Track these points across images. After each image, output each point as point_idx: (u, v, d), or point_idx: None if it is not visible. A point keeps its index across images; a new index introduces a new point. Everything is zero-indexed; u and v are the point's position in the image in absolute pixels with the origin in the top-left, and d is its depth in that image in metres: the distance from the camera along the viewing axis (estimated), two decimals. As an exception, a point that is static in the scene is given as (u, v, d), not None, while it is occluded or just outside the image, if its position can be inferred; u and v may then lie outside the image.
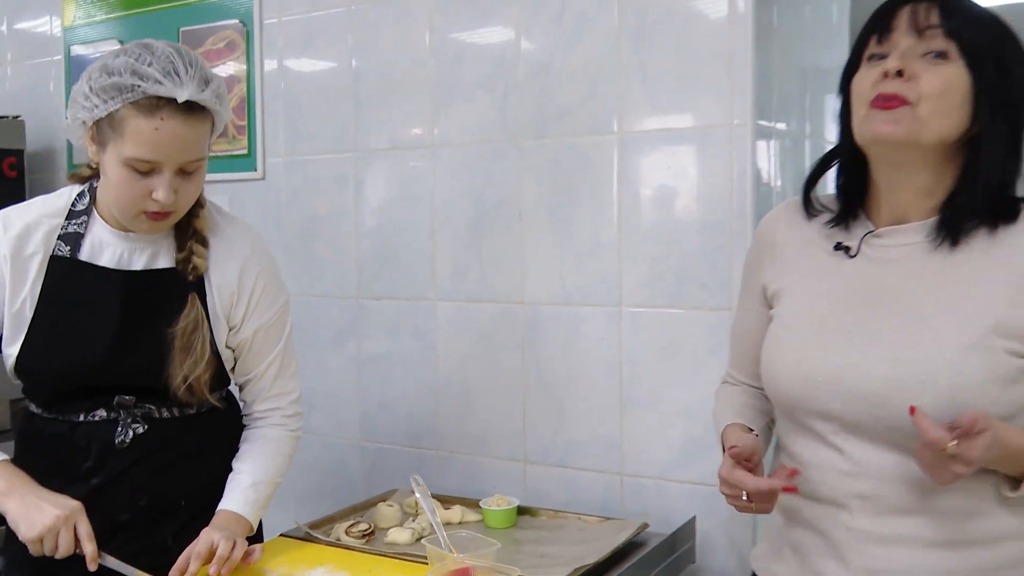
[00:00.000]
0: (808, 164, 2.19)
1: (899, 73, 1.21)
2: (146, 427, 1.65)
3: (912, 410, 1.14)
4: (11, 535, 1.68)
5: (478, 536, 1.65)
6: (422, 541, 1.81)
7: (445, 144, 2.26)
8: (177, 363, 1.62)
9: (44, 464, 1.62)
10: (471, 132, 2.22)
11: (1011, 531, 1.24)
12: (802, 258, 1.38)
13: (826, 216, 1.37)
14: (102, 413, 1.62)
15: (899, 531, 1.24)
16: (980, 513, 1.23)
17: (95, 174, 1.66)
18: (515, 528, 1.94)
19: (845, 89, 1.31)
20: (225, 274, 1.67)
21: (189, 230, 1.66)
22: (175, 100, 1.46)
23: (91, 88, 1.49)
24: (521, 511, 1.99)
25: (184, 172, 1.53)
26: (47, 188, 2.96)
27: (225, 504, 1.68)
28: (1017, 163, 1.26)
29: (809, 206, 1.39)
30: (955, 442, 1.11)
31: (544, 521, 1.98)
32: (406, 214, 2.33)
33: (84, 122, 1.54)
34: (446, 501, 2.03)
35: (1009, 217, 1.25)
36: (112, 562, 1.53)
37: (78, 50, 2.91)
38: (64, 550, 1.47)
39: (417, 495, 1.68)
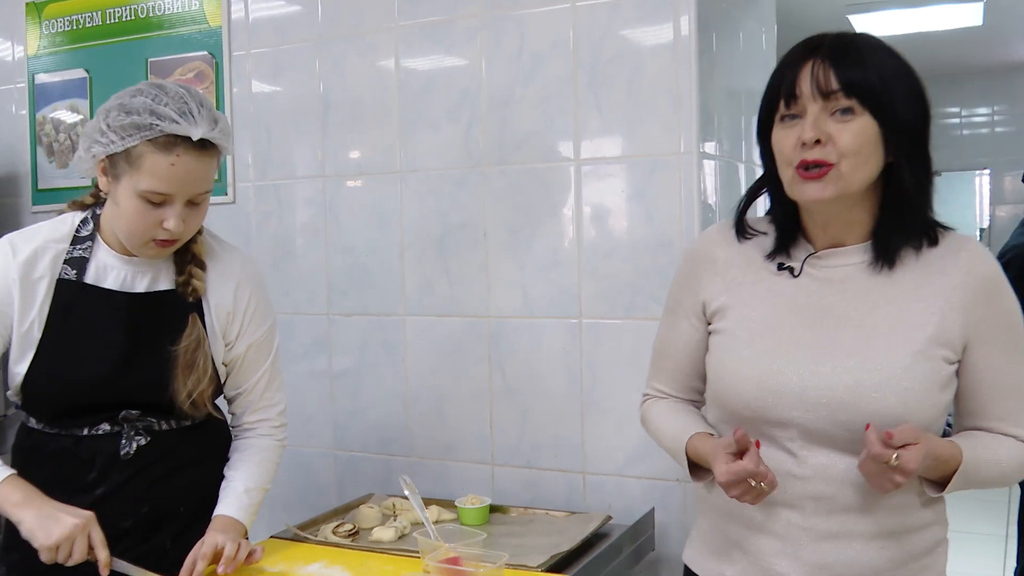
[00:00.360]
0: (744, 184, 2.42)
1: (816, 141, 1.32)
2: (148, 439, 1.76)
3: (867, 427, 1.27)
4: (9, 544, 1.78)
5: (463, 528, 1.82)
6: (404, 538, 1.97)
7: (412, 170, 2.42)
8: (181, 379, 1.74)
9: (46, 476, 1.70)
10: (437, 159, 2.39)
11: (928, 521, 1.41)
12: (748, 275, 1.47)
13: (759, 238, 1.48)
14: (105, 427, 1.73)
15: (847, 527, 1.37)
16: (908, 507, 1.38)
17: (97, 202, 1.78)
18: (489, 524, 2.10)
19: (764, 137, 1.42)
20: (221, 295, 1.80)
21: (188, 255, 1.79)
22: (190, 138, 1.60)
23: (108, 125, 1.61)
24: (493, 509, 2.16)
25: (192, 203, 1.66)
26: (13, 212, 3.04)
27: (221, 510, 1.80)
28: (930, 181, 1.38)
29: (742, 232, 1.50)
30: (896, 456, 1.24)
31: (515, 517, 2.16)
32: (375, 235, 2.49)
33: (95, 156, 1.66)
34: (433, 503, 2.19)
35: (931, 238, 1.39)
36: (123, 566, 1.64)
37: (42, 78, 2.99)
38: (79, 557, 1.58)
39: (406, 492, 1.83)
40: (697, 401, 1.59)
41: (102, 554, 1.60)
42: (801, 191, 1.35)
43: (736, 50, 2.41)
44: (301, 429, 2.58)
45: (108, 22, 2.84)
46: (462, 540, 1.70)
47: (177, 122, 1.59)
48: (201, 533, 1.74)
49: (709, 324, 1.50)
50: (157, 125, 1.58)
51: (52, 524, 1.58)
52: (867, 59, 1.34)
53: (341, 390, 2.55)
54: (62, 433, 1.74)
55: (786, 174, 1.38)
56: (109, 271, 1.73)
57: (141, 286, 1.75)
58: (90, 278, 1.72)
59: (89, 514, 1.62)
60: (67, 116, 2.94)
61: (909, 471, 1.26)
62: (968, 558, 4.69)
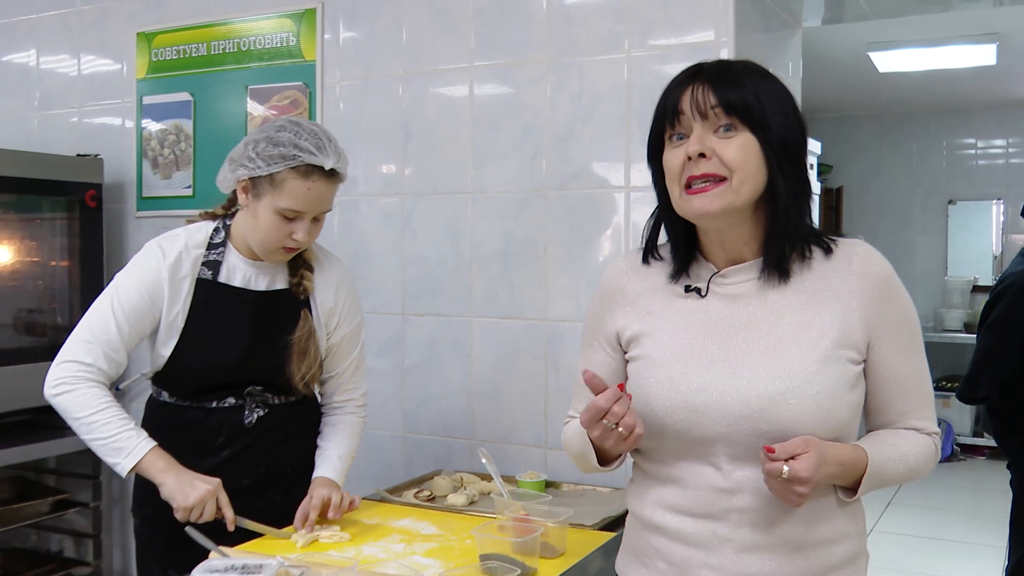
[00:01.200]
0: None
1: (701, 155, 1.39)
2: (266, 411, 2.15)
3: (768, 448, 1.33)
4: (142, 500, 2.16)
5: (530, 492, 2.19)
6: (474, 504, 2.33)
7: (482, 191, 2.80)
8: (296, 364, 2.12)
9: (179, 442, 2.07)
10: (504, 183, 2.76)
11: (848, 532, 1.48)
12: (657, 302, 1.52)
13: (665, 264, 1.54)
14: (231, 400, 2.11)
15: (770, 539, 1.42)
16: (829, 519, 1.45)
17: (226, 214, 2.15)
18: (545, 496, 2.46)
19: (655, 160, 1.48)
20: (325, 294, 2.18)
21: (299, 260, 2.16)
22: (323, 167, 1.98)
23: (256, 154, 1.98)
24: (547, 484, 2.52)
25: (315, 219, 2.04)
26: (118, 217, 3.43)
27: (320, 472, 2.18)
28: (806, 194, 1.45)
29: (649, 256, 1.56)
30: (786, 467, 1.31)
31: (567, 491, 2.52)
32: (447, 248, 2.86)
33: (239, 177, 2.02)
34: (485, 478, 2.55)
35: (824, 247, 1.47)
36: (245, 523, 2.02)
37: (149, 99, 3.38)
38: (208, 516, 1.96)
39: (483, 461, 2.20)
40: None
41: (228, 512, 1.97)
42: (689, 205, 1.42)
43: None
44: (375, 414, 2.95)
45: (212, 52, 3.24)
46: (531, 501, 2.07)
47: (314, 154, 1.96)
48: (302, 491, 2.11)
49: (626, 352, 1.55)
50: (299, 156, 1.95)
51: (189, 489, 1.95)
52: (743, 80, 1.41)
53: (412, 381, 2.92)
54: (193, 405, 2.10)
55: (674, 192, 1.44)
56: (237, 272, 2.10)
57: (262, 285, 2.12)
58: (223, 277, 2.08)
59: (217, 480, 1.99)
60: (171, 134, 3.33)
61: (804, 479, 1.32)
62: (966, 565, 4.93)
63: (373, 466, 2.95)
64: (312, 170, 1.96)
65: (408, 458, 2.93)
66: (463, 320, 2.85)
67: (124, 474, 1.97)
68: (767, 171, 1.41)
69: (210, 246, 2.09)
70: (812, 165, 6.47)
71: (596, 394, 1.37)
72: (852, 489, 1.44)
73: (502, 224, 2.78)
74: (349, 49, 3.01)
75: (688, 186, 1.41)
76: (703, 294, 1.49)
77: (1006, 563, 3.47)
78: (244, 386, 2.10)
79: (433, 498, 2.39)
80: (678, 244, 1.51)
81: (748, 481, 1.42)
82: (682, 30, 2.51)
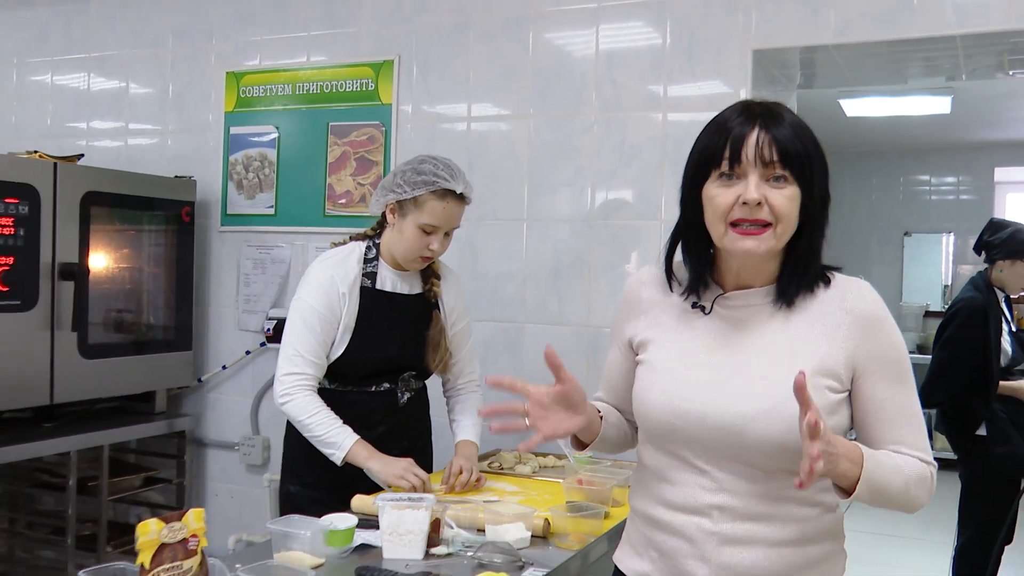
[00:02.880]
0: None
1: (758, 203, 1.47)
2: (411, 393, 2.69)
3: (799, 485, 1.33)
4: (295, 471, 2.63)
5: (584, 463, 2.75)
6: (535, 473, 2.88)
7: (536, 219, 3.37)
8: (431, 355, 2.66)
9: (344, 420, 2.51)
10: (555, 212, 3.34)
11: (826, 533, 1.58)
12: (665, 315, 1.64)
13: (676, 280, 1.65)
14: (386, 385, 2.63)
15: (750, 534, 1.52)
16: (806, 519, 1.55)
17: (375, 234, 2.66)
18: (591, 470, 3.03)
19: (696, 187, 1.54)
20: (448, 297, 2.72)
21: (429, 271, 2.69)
22: (455, 191, 2.52)
23: (404, 181, 2.49)
24: (591, 460, 3.08)
25: (447, 234, 2.58)
26: (204, 230, 3.94)
27: (463, 436, 2.72)
28: (823, 242, 1.56)
29: (670, 279, 1.65)
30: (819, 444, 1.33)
31: (608, 466, 3.08)
32: (503, 265, 3.42)
33: (388, 200, 2.52)
34: (538, 454, 3.09)
35: (825, 280, 1.57)
36: (430, 485, 2.49)
37: (236, 130, 3.91)
38: (416, 483, 2.42)
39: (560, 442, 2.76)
40: (628, 413, 1.75)
41: (419, 481, 2.44)
42: (737, 245, 1.50)
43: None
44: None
45: (296, 92, 3.78)
46: (589, 468, 2.63)
47: (448, 181, 2.50)
48: (425, 459, 2.64)
49: (636, 355, 1.68)
50: (437, 182, 2.48)
51: (394, 466, 2.46)
52: (798, 135, 1.50)
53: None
54: (355, 390, 2.59)
55: (719, 228, 1.51)
56: (387, 281, 2.62)
57: (404, 290, 2.64)
58: (378, 285, 2.60)
59: (409, 459, 2.48)
60: (256, 160, 3.86)
61: (830, 439, 1.38)
62: (919, 558, 5.54)
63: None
64: (447, 193, 2.50)
65: (465, 441, 3.48)
66: (516, 325, 3.41)
67: (339, 463, 2.45)
68: (801, 218, 1.52)
69: (366, 260, 2.60)
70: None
71: (554, 372, 1.57)
72: (848, 491, 1.47)
73: (553, 246, 3.35)
74: (421, 95, 3.57)
75: (733, 224, 1.49)
76: (707, 312, 1.60)
77: (955, 542, 4.09)
78: (398, 373, 2.63)
79: (501, 468, 2.94)
80: (696, 264, 1.60)
81: (728, 481, 1.53)
82: (704, 87, 3.11)
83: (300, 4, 3.79)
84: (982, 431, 3.87)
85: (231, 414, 3.94)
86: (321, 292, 2.51)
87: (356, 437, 2.47)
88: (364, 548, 2.11)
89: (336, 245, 2.68)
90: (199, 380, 3.99)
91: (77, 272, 3.35)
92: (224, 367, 3.95)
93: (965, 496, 3.97)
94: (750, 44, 3.06)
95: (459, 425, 2.77)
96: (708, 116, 1.58)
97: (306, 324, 2.49)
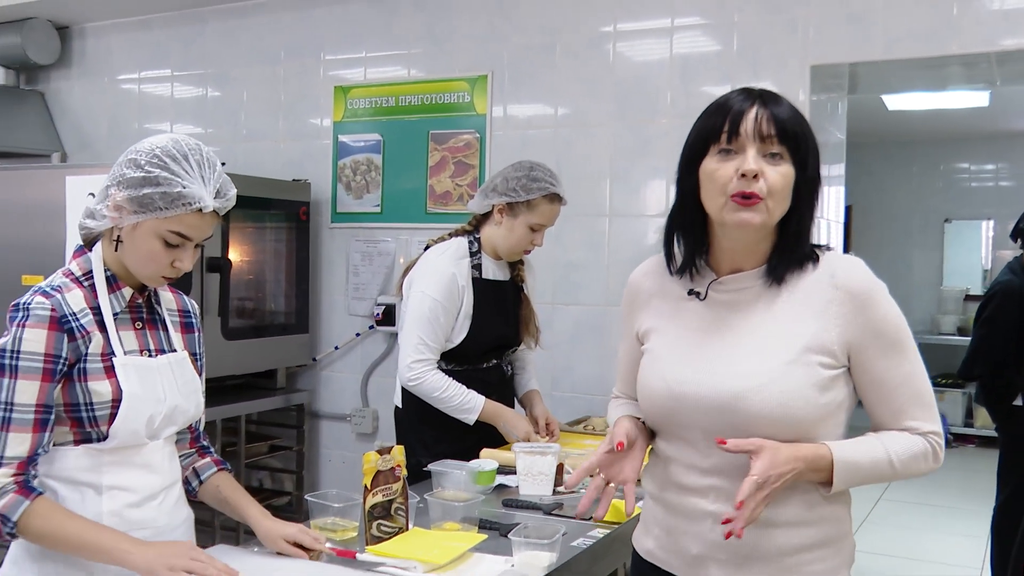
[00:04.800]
0: (823, 239, 3.79)
1: (755, 176, 1.50)
2: (510, 365, 3.17)
3: (720, 440, 1.49)
4: (431, 442, 3.06)
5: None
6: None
7: (618, 214, 3.83)
8: (524, 331, 3.14)
9: None
10: (636, 208, 3.80)
11: (822, 515, 1.59)
12: (664, 304, 1.70)
13: (674, 266, 1.69)
14: (494, 361, 3.11)
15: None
16: (799, 502, 1.56)
17: (475, 229, 3.14)
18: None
19: (693, 164, 1.58)
20: (530, 279, 3.20)
21: (518, 260, 3.17)
22: (560, 195, 2.98)
23: (519, 186, 2.93)
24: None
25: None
26: (317, 227, 4.43)
27: (532, 387, 3.22)
28: (812, 223, 1.60)
29: (670, 261, 1.69)
30: (738, 515, 1.44)
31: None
32: (587, 255, 3.88)
33: (497, 202, 2.96)
34: (624, 420, 3.56)
35: (814, 259, 1.60)
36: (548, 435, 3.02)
37: (344, 138, 4.40)
38: (527, 436, 2.90)
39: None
40: None
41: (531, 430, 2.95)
42: (736, 216, 1.52)
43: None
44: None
45: (400, 104, 4.26)
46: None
47: (556, 186, 2.97)
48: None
49: (641, 346, 1.73)
50: (549, 188, 2.95)
51: (518, 421, 2.93)
52: (792, 117, 1.56)
53: (559, 354, 3.94)
54: (469, 368, 3.03)
55: (717, 201, 1.54)
56: (489, 270, 3.09)
57: (500, 277, 3.11)
58: (484, 276, 3.05)
59: (526, 418, 2.98)
60: (363, 164, 4.35)
61: (761, 483, 1.45)
62: (957, 524, 5.94)
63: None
64: (555, 197, 2.97)
65: (553, 410, 3.95)
66: (599, 308, 3.87)
67: (471, 423, 2.90)
68: (792, 198, 1.55)
69: (471, 254, 3.06)
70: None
71: (625, 449, 1.64)
72: (827, 484, 1.53)
73: (632, 237, 3.81)
74: (513, 105, 4.04)
75: (740, 197, 1.52)
76: (702, 297, 1.64)
77: (994, 504, 4.49)
78: (504, 350, 3.11)
79: (594, 430, 3.41)
80: (687, 244, 1.64)
81: (723, 463, 1.57)
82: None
83: (402, 24, 4.27)
84: (1019, 401, 4.28)
85: (343, 389, 4.45)
86: (443, 287, 2.91)
87: (484, 399, 2.93)
88: (501, 488, 2.60)
89: (435, 241, 3.09)
90: (314, 359, 4.51)
91: (221, 265, 3.86)
92: (336, 348, 4.46)
93: (1003, 461, 4.38)
94: (808, 60, 3.49)
95: (526, 376, 3.25)
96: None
97: (431, 315, 2.89)
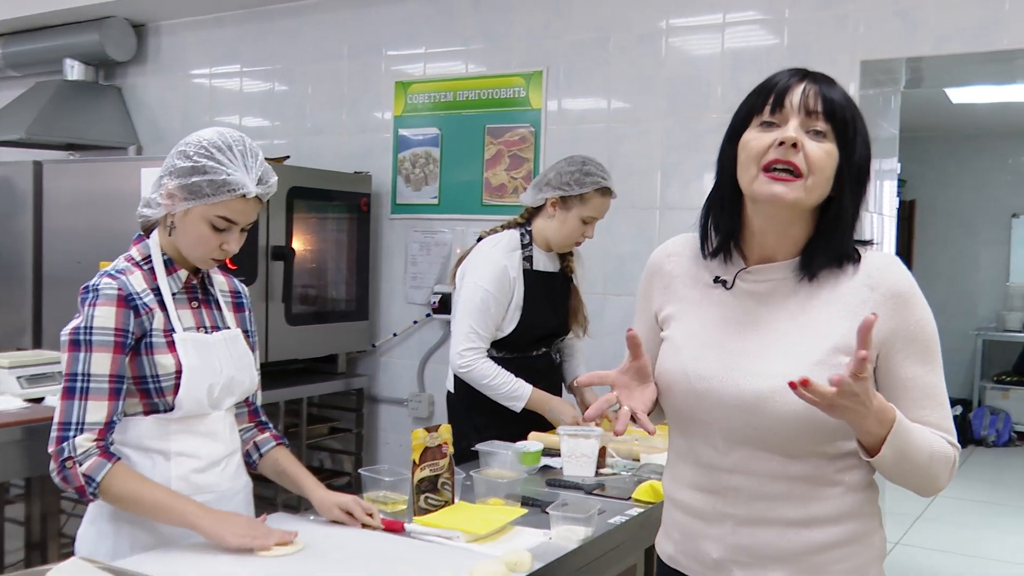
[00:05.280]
0: (871, 233, 3.83)
1: (794, 144, 1.41)
2: (558, 354, 3.28)
3: (793, 385, 1.30)
4: (482, 427, 3.18)
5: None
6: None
7: (668, 207, 3.91)
8: (573, 320, 3.25)
9: None
10: (685, 201, 3.87)
11: (848, 511, 1.52)
12: (689, 291, 1.61)
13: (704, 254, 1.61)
14: (543, 349, 3.22)
15: (765, 514, 1.51)
16: (823, 498, 1.49)
17: (526, 221, 3.25)
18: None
19: (734, 140, 1.51)
20: (579, 270, 3.30)
21: (567, 250, 3.28)
22: (610, 189, 3.09)
23: (573, 180, 3.03)
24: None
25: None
26: (377, 219, 4.59)
27: (580, 373, 3.28)
28: (857, 219, 1.50)
29: (704, 241, 1.61)
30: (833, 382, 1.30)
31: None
32: (636, 247, 3.97)
33: (549, 195, 3.07)
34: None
35: (853, 259, 1.51)
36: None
37: (404, 132, 4.55)
38: (580, 421, 2.98)
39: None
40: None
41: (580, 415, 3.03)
42: (766, 188, 1.44)
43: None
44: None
45: (457, 99, 4.39)
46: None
47: (608, 180, 3.08)
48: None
49: (662, 330, 1.65)
50: (601, 182, 3.06)
51: (567, 408, 3.02)
52: (842, 98, 1.48)
53: (609, 343, 4.03)
54: (518, 356, 3.15)
55: (750, 171, 1.46)
56: (539, 261, 3.20)
57: (550, 268, 3.22)
58: (535, 267, 3.16)
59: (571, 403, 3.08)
60: (422, 157, 4.50)
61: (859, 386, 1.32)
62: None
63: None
64: (607, 191, 3.09)
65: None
66: (649, 299, 3.96)
67: (519, 410, 3.01)
68: (835, 184, 1.47)
69: (523, 246, 3.18)
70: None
71: (633, 351, 1.53)
72: (871, 451, 1.44)
73: (681, 230, 3.84)
74: (566, 100, 4.15)
75: (767, 170, 1.44)
76: (729, 286, 1.56)
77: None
78: (552, 338, 3.23)
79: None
80: (724, 224, 1.57)
81: (743, 462, 1.51)
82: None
83: (461, 22, 4.40)
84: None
85: (400, 374, 4.61)
86: (495, 278, 3.03)
87: (531, 388, 3.04)
88: (546, 468, 2.71)
89: (487, 233, 3.20)
90: (373, 345, 4.68)
91: (285, 253, 4.04)
92: (395, 334, 4.62)
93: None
94: (858, 56, 3.53)
95: (575, 363, 3.37)
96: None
97: (483, 306, 3.02)
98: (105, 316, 1.85)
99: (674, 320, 1.62)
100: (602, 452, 2.70)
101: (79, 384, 1.83)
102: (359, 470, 2.34)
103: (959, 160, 8.92)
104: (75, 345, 1.85)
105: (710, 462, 1.55)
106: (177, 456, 1.94)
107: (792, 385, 1.32)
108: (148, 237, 2.00)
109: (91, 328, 1.85)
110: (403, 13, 4.56)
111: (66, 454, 1.81)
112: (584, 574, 2.01)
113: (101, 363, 1.84)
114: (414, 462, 2.15)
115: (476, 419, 3.13)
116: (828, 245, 1.50)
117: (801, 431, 1.45)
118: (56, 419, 1.84)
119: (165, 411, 1.93)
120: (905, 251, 8.84)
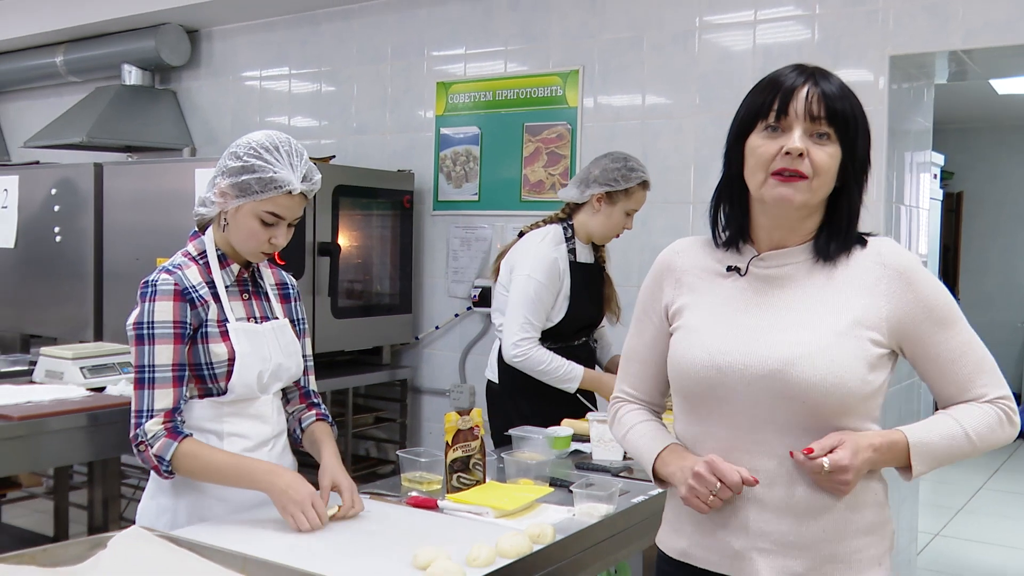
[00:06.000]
0: (899, 221, 3.89)
1: (800, 153, 1.48)
2: (595, 342, 3.40)
3: (791, 454, 1.44)
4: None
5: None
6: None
7: (701, 202, 4.00)
8: (607, 309, 3.36)
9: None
10: (718, 196, 3.96)
11: (866, 500, 1.56)
12: (701, 281, 1.65)
13: (713, 250, 1.68)
14: (584, 338, 3.34)
15: (786, 500, 1.52)
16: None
17: (568, 217, 3.36)
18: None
19: (740, 139, 1.58)
20: (611, 263, 3.41)
21: (608, 242, 3.39)
22: (649, 181, 3.20)
23: (619, 176, 3.16)
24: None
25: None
26: (419, 215, 4.74)
27: (615, 353, 3.43)
28: (860, 206, 1.59)
29: (716, 233, 1.68)
30: (826, 460, 1.42)
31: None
32: (671, 239, 4.04)
33: (594, 191, 3.18)
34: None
35: (859, 243, 1.59)
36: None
37: (445, 130, 4.69)
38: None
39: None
40: (658, 405, 1.78)
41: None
42: (776, 192, 1.51)
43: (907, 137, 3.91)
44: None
45: (497, 98, 4.52)
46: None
47: (644, 173, 3.20)
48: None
49: (671, 326, 1.67)
50: (643, 176, 3.19)
51: (612, 382, 3.12)
52: (846, 96, 1.54)
53: (644, 334, 4.14)
54: (562, 345, 3.26)
55: (758, 177, 1.53)
56: (580, 253, 3.32)
57: (588, 260, 3.33)
58: (578, 259, 3.28)
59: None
60: (462, 155, 4.64)
61: (845, 467, 1.44)
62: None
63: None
64: (647, 184, 3.23)
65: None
66: (683, 292, 4.05)
67: (572, 391, 3.16)
68: (840, 177, 1.55)
69: (566, 239, 3.29)
70: (936, 175, 7.45)
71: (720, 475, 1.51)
72: (907, 468, 1.51)
73: (715, 225, 3.96)
74: (602, 98, 4.25)
75: (773, 174, 1.52)
76: (743, 273, 1.60)
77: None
78: (592, 327, 3.36)
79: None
80: (734, 217, 1.64)
81: (765, 444, 1.52)
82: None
83: (500, 23, 4.53)
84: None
85: (443, 366, 4.76)
86: (546, 270, 3.16)
87: (583, 369, 3.17)
88: (576, 453, 2.83)
89: (530, 228, 3.33)
90: (416, 338, 4.83)
91: (331, 249, 4.21)
92: (437, 327, 4.77)
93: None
94: (887, 51, 3.59)
95: (605, 344, 3.51)
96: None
97: (536, 297, 3.14)
98: (164, 310, 2.02)
99: (687, 309, 1.64)
100: (630, 437, 2.80)
101: (146, 375, 2.01)
102: (397, 452, 2.47)
103: (1007, 151, 8.85)
104: (140, 339, 2.02)
105: (731, 444, 1.54)
106: (229, 436, 2.10)
107: (791, 454, 1.46)
108: (204, 234, 2.16)
109: (152, 323, 2.02)
110: (444, 15, 4.70)
111: (140, 439, 2.00)
112: (604, 548, 2.13)
113: (164, 354, 2.01)
114: (447, 443, 2.28)
115: (522, 406, 3.26)
116: (840, 231, 1.57)
117: (825, 399, 1.48)
118: (132, 408, 2.03)
119: (218, 395, 2.09)
120: (952, 243, 8.79)
